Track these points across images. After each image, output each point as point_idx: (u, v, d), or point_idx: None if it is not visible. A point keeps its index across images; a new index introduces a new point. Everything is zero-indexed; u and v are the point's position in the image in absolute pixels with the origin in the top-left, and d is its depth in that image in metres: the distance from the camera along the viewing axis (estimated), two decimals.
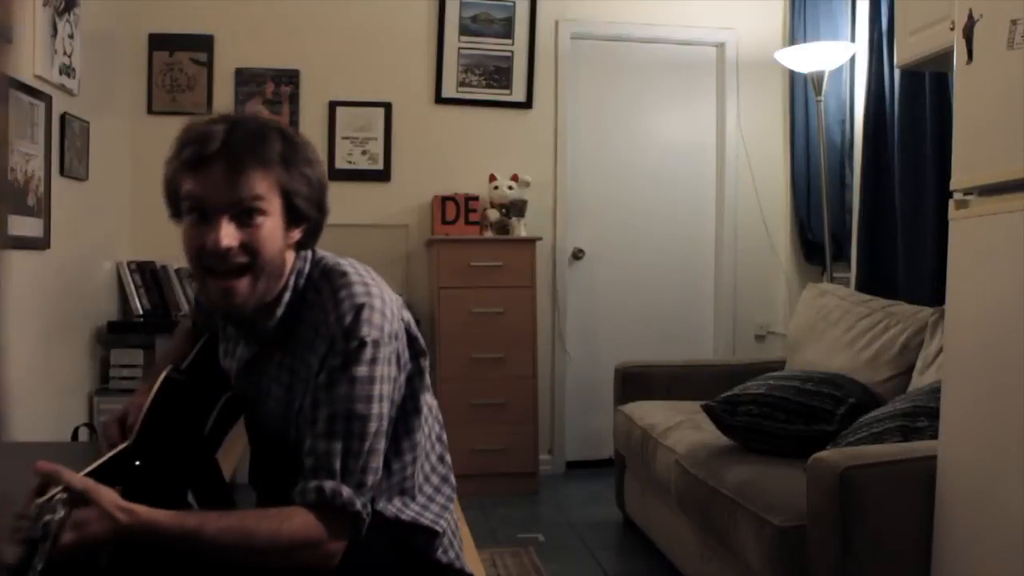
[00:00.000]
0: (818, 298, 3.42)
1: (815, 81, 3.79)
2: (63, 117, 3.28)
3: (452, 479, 1.55)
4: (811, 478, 1.97)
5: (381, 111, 4.26)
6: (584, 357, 4.48)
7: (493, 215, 4.15)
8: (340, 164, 4.22)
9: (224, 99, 4.17)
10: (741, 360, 4.03)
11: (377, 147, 4.27)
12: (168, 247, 4.05)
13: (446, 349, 3.92)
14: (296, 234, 1.37)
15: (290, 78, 4.21)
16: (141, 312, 3.90)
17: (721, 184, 4.60)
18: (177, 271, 4.00)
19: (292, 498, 1.27)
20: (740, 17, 4.56)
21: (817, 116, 3.90)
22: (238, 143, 1.29)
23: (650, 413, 3.22)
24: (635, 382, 3.54)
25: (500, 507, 3.74)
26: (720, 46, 4.58)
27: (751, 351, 4.53)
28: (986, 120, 1.74)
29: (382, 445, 1.33)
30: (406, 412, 1.44)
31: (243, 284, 1.31)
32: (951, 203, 1.83)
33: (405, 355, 1.40)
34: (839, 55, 3.75)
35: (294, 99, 4.21)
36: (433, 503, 1.49)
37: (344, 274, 1.37)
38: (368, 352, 1.29)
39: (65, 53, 3.24)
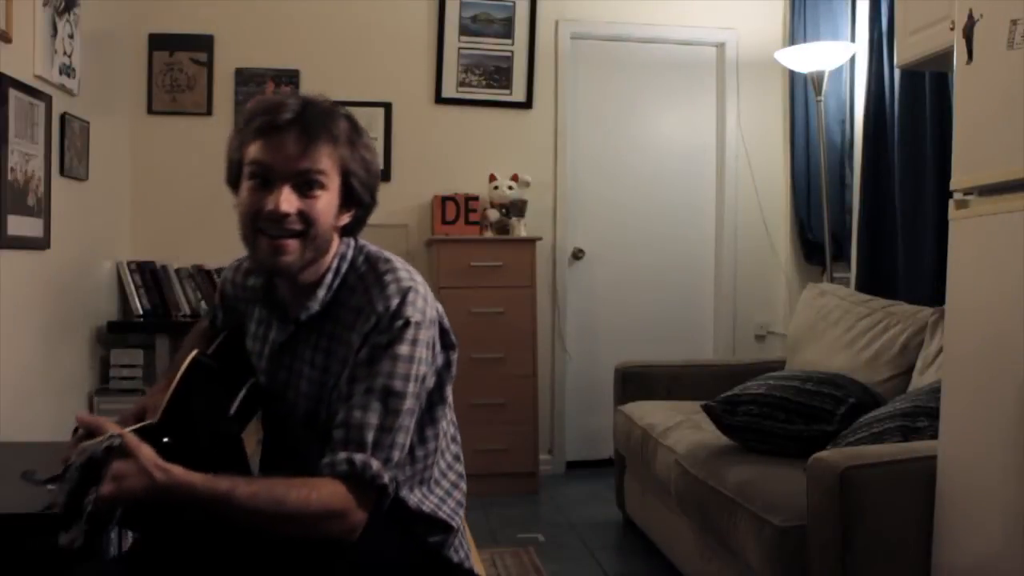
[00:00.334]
0: (818, 298, 3.42)
1: (815, 81, 3.79)
2: (63, 117, 3.28)
3: (464, 483, 1.58)
4: (811, 478, 1.97)
5: (381, 111, 4.26)
6: (584, 357, 4.48)
7: (493, 215, 4.15)
8: None
9: (224, 99, 4.18)
10: (741, 360, 4.04)
11: (377, 147, 4.26)
12: (168, 247, 4.07)
13: None
14: (345, 218, 1.44)
15: (290, 78, 4.21)
16: (141, 312, 3.90)
17: (721, 184, 4.60)
18: (177, 271, 4.00)
19: (320, 469, 1.30)
20: (740, 17, 4.56)
21: (817, 116, 3.90)
22: (310, 116, 1.36)
23: (650, 413, 3.22)
24: (635, 382, 3.54)
25: (500, 507, 3.74)
26: (720, 46, 4.58)
27: (751, 351, 4.53)
28: (986, 120, 1.74)
29: (411, 425, 1.37)
30: (432, 401, 1.47)
31: (294, 244, 1.36)
32: (951, 203, 1.83)
33: (438, 345, 1.45)
34: (839, 55, 3.75)
35: None
36: (450, 498, 1.52)
37: (388, 260, 1.44)
38: (411, 332, 1.35)
39: (65, 53, 3.24)
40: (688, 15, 4.53)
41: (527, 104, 4.39)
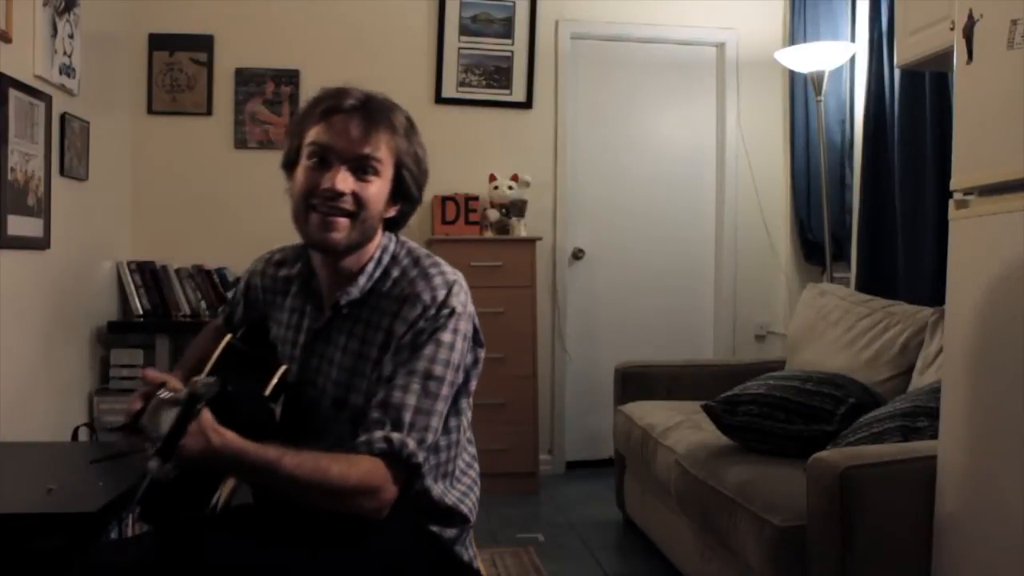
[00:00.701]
0: (818, 298, 3.42)
1: (815, 81, 3.79)
2: (63, 117, 3.28)
3: (479, 487, 1.62)
4: (811, 478, 1.96)
5: None
6: (584, 357, 4.48)
7: (493, 215, 4.15)
8: None
9: (224, 99, 4.18)
10: (741, 360, 4.04)
11: None
12: (168, 247, 4.07)
13: None
14: (392, 211, 1.50)
15: (290, 78, 4.21)
16: (141, 312, 3.90)
17: (721, 184, 4.60)
18: (177, 271, 4.00)
19: (356, 447, 1.34)
20: (740, 17, 4.56)
21: (817, 116, 3.90)
22: (373, 105, 1.45)
23: (650, 413, 3.22)
24: (635, 382, 3.54)
25: (500, 507, 3.73)
26: (720, 46, 4.58)
27: (751, 351, 4.53)
28: (986, 120, 1.74)
29: (444, 412, 1.42)
30: (458, 394, 1.50)
31: (344, 223, 1.42)
32: (951, 203, 1.83)
33: (470, 340, 1.50)
34: (839, 55, 3.75)
35: (294, 99, 4.21)
36: (469, 495, 1.57)
37: (431, 256, 1.52)
38: (454, 322, 1.42)
39: (65, 53, 3.24)
40: (688, 15, 4.53)
41: (527, 104, 4.39)
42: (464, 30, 4.33)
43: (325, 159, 1.42)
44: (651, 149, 4.60)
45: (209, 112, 4.16)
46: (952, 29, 1.83)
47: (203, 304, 3.97)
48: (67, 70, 3.27)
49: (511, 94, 4.38)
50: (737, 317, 4.61)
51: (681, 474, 2.64)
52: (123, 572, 1.32)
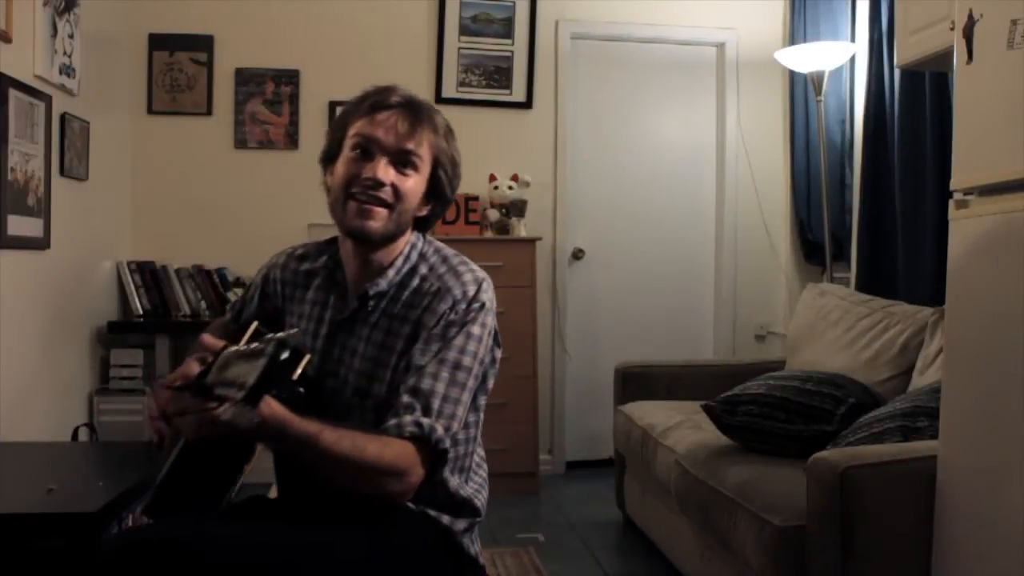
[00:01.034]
0: (818, 298, 3.42)
1: (815, 81, 3.79)
2: (63, 117, 3.28)
3: (487, 488, 1.65)
4: (811, 478, 1.97)
5: None
6: (584, 357, 4.48)
7: (493, 215, 4.15)
8: None
9: (224, 99, 4.18)
10: (741, 360, 4.04)
11: None
12: (168, 247, 4.07)
13: None
14: (424, 210, 1.55)
15: (290, 78, 4.21)
16: (141, 312, 3.90)
17: (721, 184, 4.60)
18: (177, 271, 4.00)
19: (384, 430, 1.37)
20: (740, 17, 4.56)
21: (817, 116, 3.90)
22: (417, 105, 1.51)
23: (650, 413, 3.22)
24: (635, 382, 3.54)
25: (500, 507, 3.72)
26: (720, 46, 4.58)
27: (751, 351, 4.53)
28: (986, 120, 1.74)
29: (469, 403, 1.47)
30: (476, 390, 1.53)
31: (382, 212, 1.47)
32: (951, 203, 1.83)
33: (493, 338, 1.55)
34: (839, 55, 3.75)
35: (294, 99, 4.21)
36: (482, 491, 1.61)
37: (458, 254, 1.58)
38: (484, 316, 1.48)
39: (65, 53, 3.24)
40: (688, 15, 4.53)
41: (527, 104, 4.39)
42: (464, 30, 4.33)
43: (368, 150, 1.47)
44: (651, 149, 4.60)
45: (209, 112, 4.16)
46: (952, 29, 1.83)
47: (203, 304, 3.97)
48: (67, 70, 3.27)
49: (511, 94, 4.38)
50: (737, 317, 4.61)
51: (681, 474, 2.64)
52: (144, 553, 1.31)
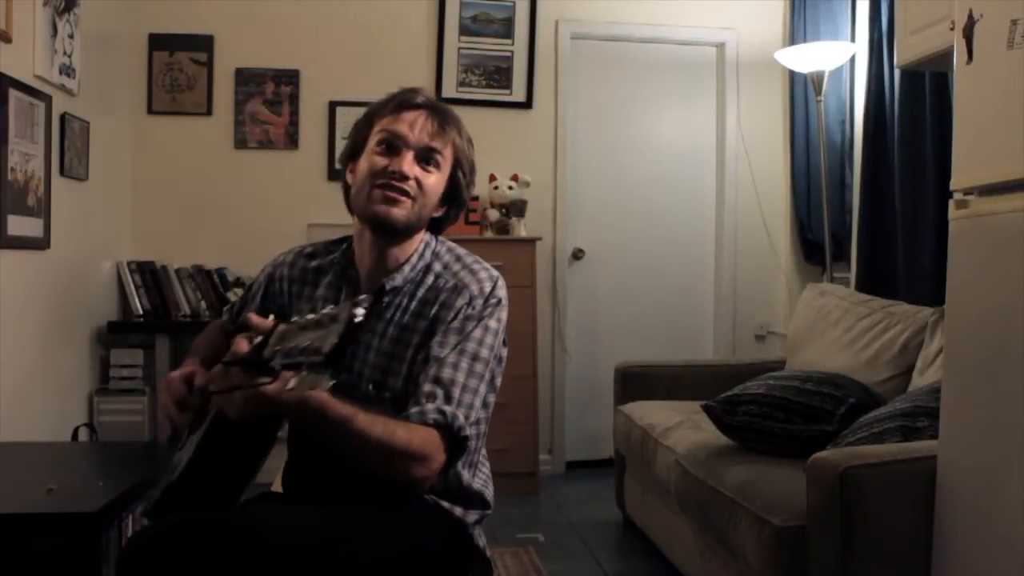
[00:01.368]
0: (818, 298, 3.42)
1: (815, 81, 3.79)
2: (63, 117, 3.28)
3: (492, 484, 1.67)
4: (811, 478, 1.97)
5: None
6: (584, 357, 4.48)
7: (493, 215, 4.15)
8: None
9: (224, 99, 4.18)
10: (741, 360, 4.04)
11: None
12: (168, 247, 4.07)
13: None
14: (440, 211, 1.61)
15: (290, 78, 4.21)
16: (141, 312, 3.90)
17: (721, 184, 4.60)
18: (177, 271, 4.00)
19: (407, 418, 1.40)
20: (740, 17, 4.56)
21: (817, 116, 3.90)
22: (440, 107, 1.59)
23: (650, 413, 3.22)
24: (635, 382, 3.54)
25: (500, 507, 3.70)
26: (720, 46, 4.58)
27: (751, 351, 4.53)
28: (986, 120, 1.74)
29: (484, 395, 1.52)
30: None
31: (406, 201, 1.52)
32: (951, 203, 1.83)
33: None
34: (839, 55, 3.75)
35: (294, 99, 4.21)
36: (488, 486, 1.64)
37: (471, 253, 1.64)
38: (500, 311, 1.55)
39: (65, 53, 3.24)
40: (688, 15, 4.53)
41: (527, 104, 4.39)
42: (464, 30, 4.33)
43: (394, 145, 1.53)
44: (651, 149, 4.60)
45: (209, 112, 4.17)
46: (952, 29, 1.83)
47: (203, 304, 3.97)
48: (67, 70, 3.27)
49: (511, 94, 4.38)
50: (737, 317, 4.61)
51: (681, 474, 2.64)
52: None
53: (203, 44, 4.16)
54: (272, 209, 4.16)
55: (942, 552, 1.83)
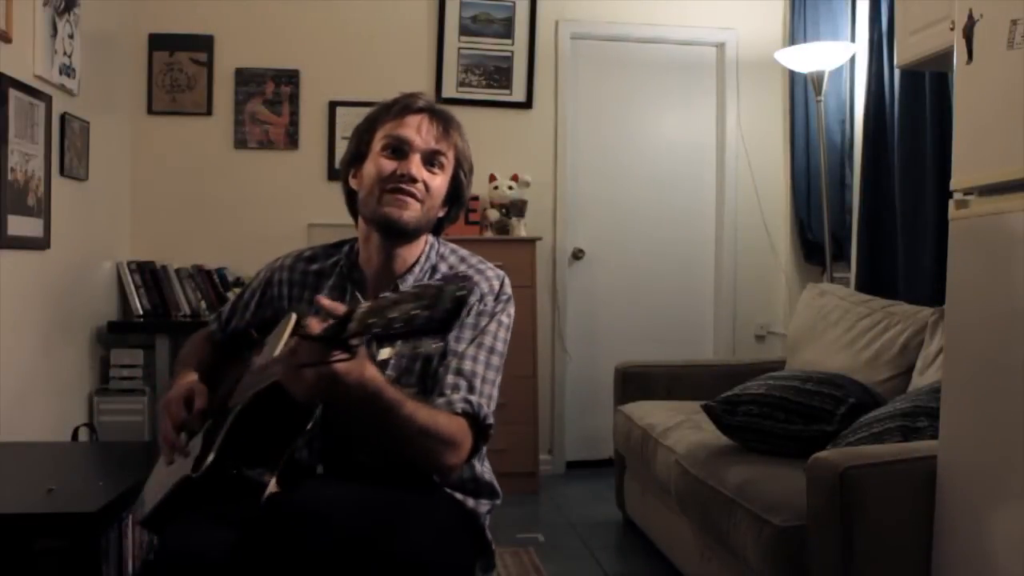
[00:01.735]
0: (818, 298, 3.42)
1: (815, 81, 3.79)
2: (63, 117, 3.28)
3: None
4: (811, 478, 1.97)
5: None
6: (584, 357, 4.48)
7: (493, 215, 4.15)
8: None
9: (224, 99, 4.18)
10: (741, 360, 4.03)
11: None
12: (168, 247, 4.07)
13: None
14: (443, 211, 1.65)
15: (290, 78, 4.21)
16: (141, 312, 3.90)
17: (721, 184, 4.60)
18: (177, 271, 4.00)
19: (435, 407, 1.44)
20: (740, 17, 4.56)
21: (817, 116, 3.90)
22: (442, 110, 1.63)
23: (650, 413, 3.22)
24: (635, 382, 3.54)
25: (500, 507, 3.73)
26: (720, 46, 4.58)
27: (751, 351, 4.53)
28: (986, 120, 1.74)
29: (498, 387, 1.56)
30: None
31: (414, 203, 1.56)
32: (951, 203, 1.83)
33: None
34: (839, 55, 3.75)
35: (294, 99, 4.21)
36: (494, 477, 1.66)
37: (474, 254, 1.68)
38: (509, 307, 1.60)
39: (65, 53, 3.24)
40: (688, 15, 4.53)
41: (527, 104, 4.39)
42: (464, 30, 4.33)
43: (400, 149, 1.56)
44: (651, 149, 4.60)
45: (209, 112, 4.17)
46: (952, 29, 1.83)
47: (203, 304, 3.97)
48: (67, 70, 3.27)
49: (511, 94, 4.38)
50: (737, 317, 4.61)
51: (681, 474, 2.64)
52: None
53: (203, 44, 4.16)
54: (272, 209, 4.16)
55: (942, 552, 1.83)
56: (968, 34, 1.76)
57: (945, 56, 2.23)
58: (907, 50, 2.59)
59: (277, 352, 1.25)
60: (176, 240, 4.10)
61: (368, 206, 1.57)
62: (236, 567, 1.29)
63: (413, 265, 1.61)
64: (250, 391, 1.41)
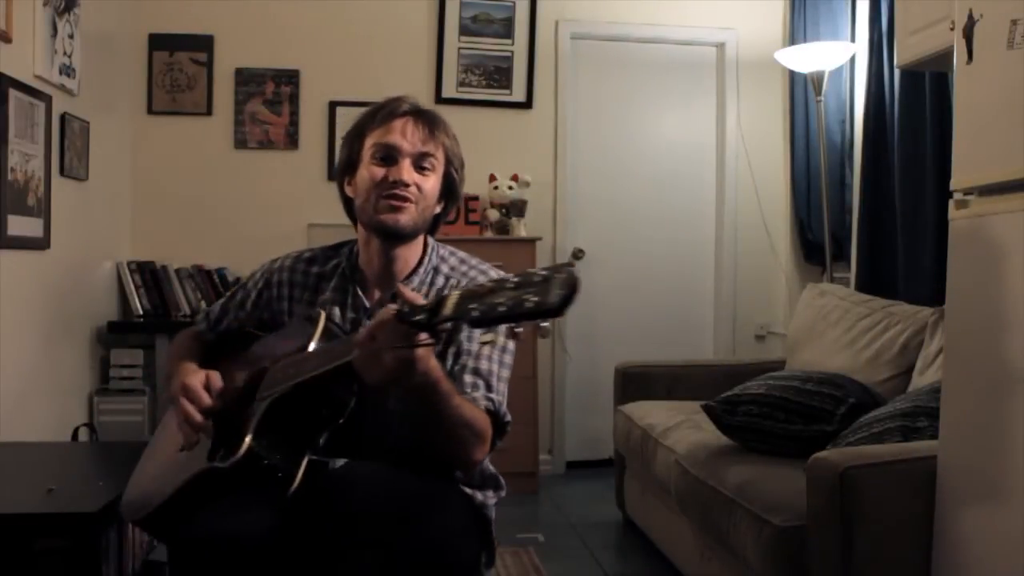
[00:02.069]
0: (818, 298, 3.42)
1: (815, 81, 3.79)
2: (63, 117, 3.28)
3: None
4: (811, 478, 1.97)
5: None
6: (584, 357, 4.48)
7: (493, 215, 4.15)
8: None
9: (224, 99, 4.18)
10: (741, 360, 4.03)
11: None
12: (168, 247, 4.07)
13: None
14: (438, 208, 1.68)
15: (290, 78, 4.21)
16: (141, 312, 3.90)
17: (721, 184, 4.60)
18: (177, 271, 4.00)
19: None
20: (740, 17, 4.56)
21: (817, 116, 3.90)
22: (425, 112, 1.65)
23: (650, 413, 3.22)
24: (635, 382, 3.54)
25: (500, 507, 3.73)
26: (720, 46, 4.58)
27: (751, 351, 4.53)
28: (986, 120, 1.74)
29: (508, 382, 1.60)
30: None
31: (409, 206, 1.59)
32: (951, 203, 1.83)
33: None
34: (839, 55, 3.75)
35: (294, 99, 4.21)
36: (497, 472, 1.69)
37: (471, 255, 1.72)
38: None
39: (65, 53, 3.24)
40: (688, 15, 4.53)
41: (527, 104, 4.39)
42: (464, 30, 4.33)
43: (390, 156, 1.59)
44: (651, 149, 4.60)
45: (209, 112, 4.17)
46: (952, 29, 1.83)
47: (203, 304, 3.96)
48: (67, 70, 3.27)
49: (511, 94, 4.38)
50: (737, 317, 4.61)
51: (681, 474, 2.64)
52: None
53: (203, 44, 4.15)
54: (272, 209, 4.16)
55: (942, 552, 1.83)
56: (968, 34, 1.76)
57: (945, 56, 2.23)
58: (907, 50, 2.59)
59: (361, 336, 1.28)
60: (176, 240, 4.10)
61: (365, 213, 1.61)
62: (280, 546, 1.35)
63: (417, 266, 1.64)
64: (289, 381, 1.41)
